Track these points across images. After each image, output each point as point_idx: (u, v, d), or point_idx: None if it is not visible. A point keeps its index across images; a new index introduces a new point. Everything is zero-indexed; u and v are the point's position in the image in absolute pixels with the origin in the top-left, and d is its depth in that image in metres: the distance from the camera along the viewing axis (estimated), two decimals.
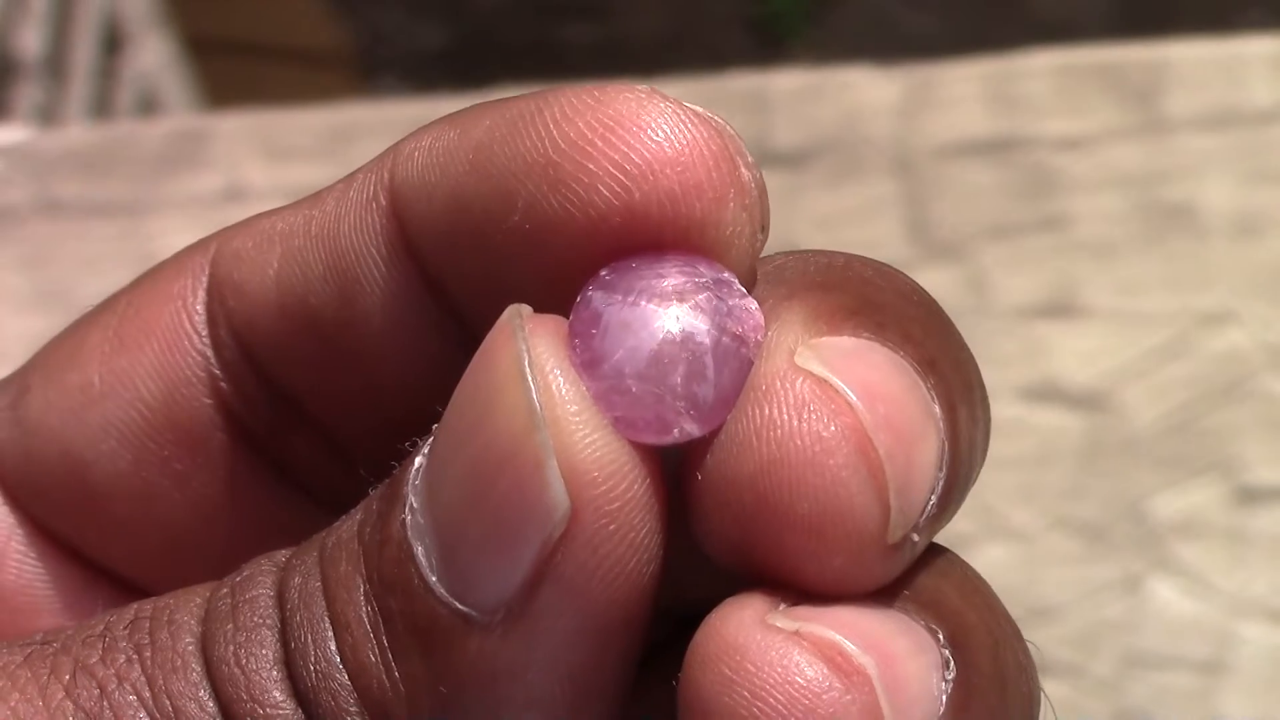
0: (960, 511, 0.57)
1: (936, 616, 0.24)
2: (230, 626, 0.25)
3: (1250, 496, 0.59)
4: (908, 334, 0.24)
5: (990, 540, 0.59)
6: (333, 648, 0.24)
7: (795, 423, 0.23)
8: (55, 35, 1.04)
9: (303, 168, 0.68)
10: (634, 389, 0.24)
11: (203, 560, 0.26)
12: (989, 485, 0.60)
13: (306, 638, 0.24)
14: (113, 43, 1.13)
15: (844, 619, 0.24)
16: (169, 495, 0.30)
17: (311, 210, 0.28)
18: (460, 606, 0.24)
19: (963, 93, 0.67)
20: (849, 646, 0.23)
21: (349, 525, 0.25)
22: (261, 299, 0.28)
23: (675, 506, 0.24)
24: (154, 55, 1.17)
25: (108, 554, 0.31)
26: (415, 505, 0.24)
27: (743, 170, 0.25)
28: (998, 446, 0.59)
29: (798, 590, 0.24)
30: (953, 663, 0.24)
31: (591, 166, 0.24)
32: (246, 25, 1.55)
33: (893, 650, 0.24)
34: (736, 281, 0.25)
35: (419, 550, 0.24)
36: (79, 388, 0.30)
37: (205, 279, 0.29)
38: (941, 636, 0.24)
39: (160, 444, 0.30)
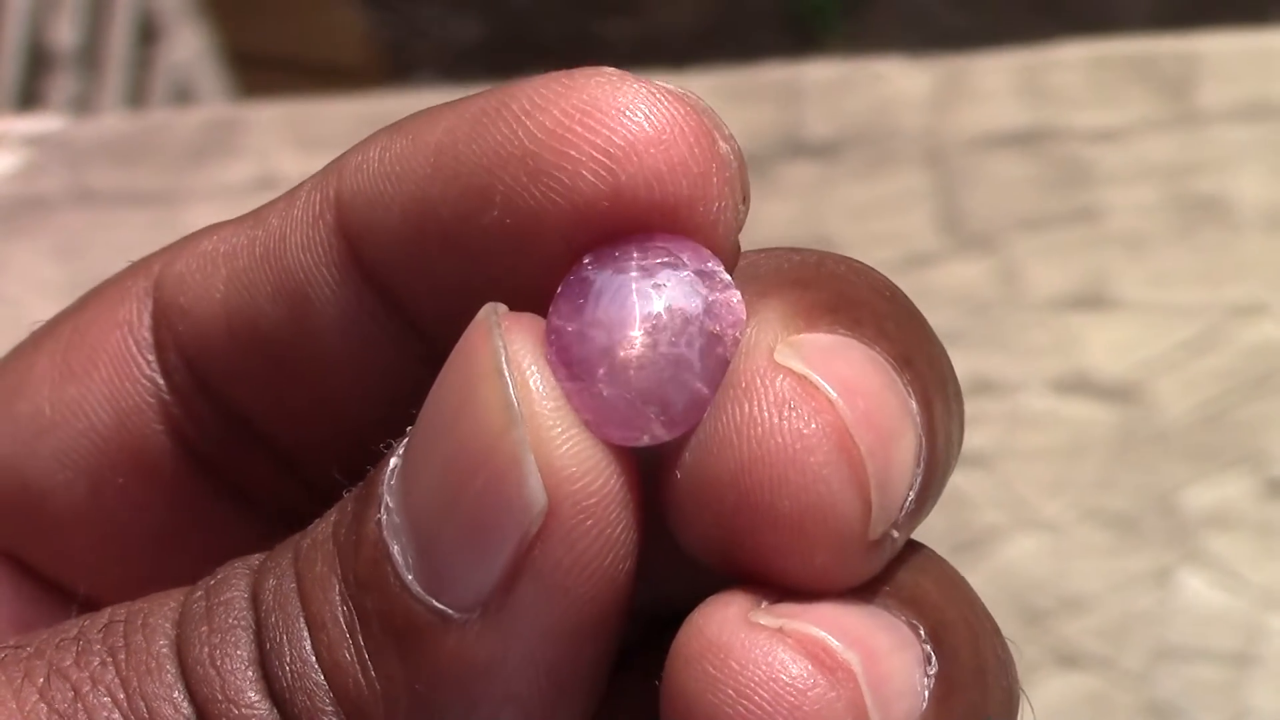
0: (991, 502, 0.58)
1: (917, 612, 0.24)
2: (205, 628, 0.25)
3: None
4: (883, 330, 0.24)
5: (1021, 531, 0.59)
6: (308, 648, 0.24)
7: (776, 420, 0.23)
8: (90, 26, 1.04)
9: (335, 157, 0.68)
10: (605, 392, 0.24)
11: (167, 583, 0.26)
12: (1020, 476, 0.60)
13: (282, 638, 0.24)
14: (147, 34, 1.14)
15: (827, 616, 0.24)
16: (128, 522, 0.30)
17: (255, 230, 0.28)
18: (437, 604, 0.23)
19: (995, 84, 0.67)
20: (833, 643, 0.23)
21: (323, 526, 0.25)
22: (209, 323, 0.28)
23: (653, 505, 0.24)
24: (188, 47, 1.17)
25: (70, 578, 0.31)
26: (391, 504, 0.24)
27: (721, 144, 0.24)
28: (1029, 438, 0.59)
29: (780, 588, 0.24)
30: (934, 658, 0.24)
31: (573, 153, 0.24)
32: (279, 39, 1.55)
33: (876, 646, 0.24)
34: (721, 270, 0.24)
35: (395, 549, 0.24)
36: (29, 417, 0.29)
37: (150, 303, 0.29)
38: (923, 632, 0.24)
39: (115, 472, 0.29)
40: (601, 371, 0.24)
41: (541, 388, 0.23)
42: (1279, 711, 0.55)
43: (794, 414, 0.23)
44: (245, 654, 0.24)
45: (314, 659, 0.24)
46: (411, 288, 0.26)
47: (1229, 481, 0.59)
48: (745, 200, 0.25)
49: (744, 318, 0.24)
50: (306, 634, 0.24)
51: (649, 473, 0.24)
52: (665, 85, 0.24)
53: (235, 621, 0.25)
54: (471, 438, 0.23)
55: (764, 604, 0.24)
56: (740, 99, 0.68)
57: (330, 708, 0.24)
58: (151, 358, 0.29)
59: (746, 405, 0.24)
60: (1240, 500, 0.58)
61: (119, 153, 0.70)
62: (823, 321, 0.24)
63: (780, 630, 0.23)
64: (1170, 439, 0.60)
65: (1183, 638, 0.57)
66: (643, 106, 0.24)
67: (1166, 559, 0.58)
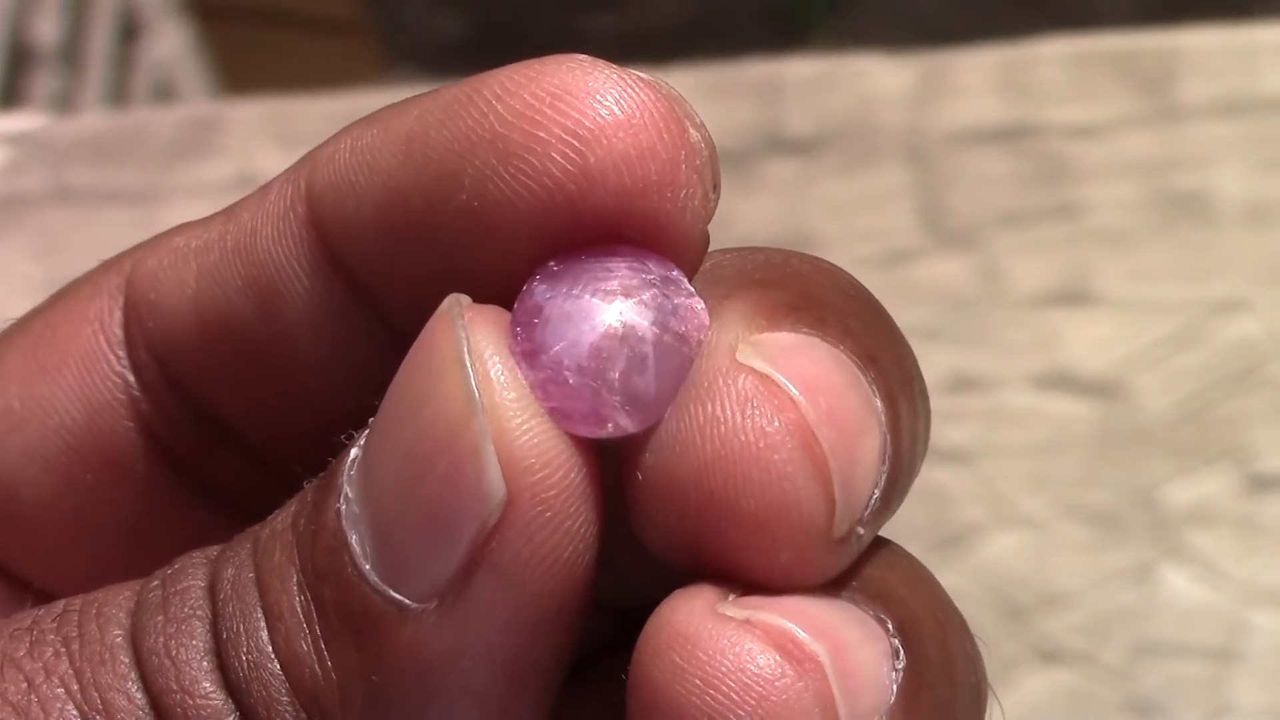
0: (971, 499, 0.58)
1: (885, 607, 0.24)
2: (161, 618, 0.24)
3: (1262, 485, 0.59)
4: (848, 329, 0.24)
5: (1002, 528, 0.59)
6: (265, 637, 0.24)
7: (739, 419, 0.23)
8: (72, 23, 1.04)
9: None
10: (571, 381, 0.24)
11: (135, 579, 0.26)
12: (1001, 473, 0.60)
13: (239, 628, 0.24)
14: (129, 30, 1.13)
15: (795, 608, 0.24)
16: (98, 519, 0.30)
17: (226, 225, 0.28)
18: (393, 594, 0.23)
19: (976, 81, 0.67)
20: (800, 634, 0.23)
21: (283, 516, 0.25)
22: (179, 318, 0.28)
23: (617, 502, 0.24)
24: (170, 43, 1.17)
25: (37, 574, 0.31)
26: (350, 495, 0.24)
27: (691, 131, 0.24)
28: (1010, 434, 0.60)
29: (746, 584, 0.24)
30: (902, 652, 0.24)
31: (542, 134, 0.24)
32: None
33: (843, 638, 0.24)
34: (685, 280, 0.25)
35: (353, 539, 0.24)
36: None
37: (121, 300, 0.29)
38: (890, 626, 0.24)
39: (85, 468, 0.29)
40: (567, 361, 0.24)
41: (503, 378, 0.23)
42: (1260, 707, 0.55)
43: (757, 412, 0.23)
44: (201, 644, 0.24)
45: (270, 649, 0.24)
46: (382, 280, 0.27)
47: (1210, 477, 0.59)
48: (715, 188, 0.25)
49: (707, 323, 0.24)
50: (263, 624, 0.24)
51: (612, 469, 0.24)
52: (636, 72, 0.25)
53: (191, 611, 0.25)
54: (432, 427, 0.23)
55: (731, 596, 0.24)
56: (721, 95, 0.68)
57: (286, 698, 0.24)
58: (122, 354, 0.29)
59: (709, 405, 0.24)
60: (1221, 496, 0.58)
61: (99, 151, 0.70)
62: (786, 320, 0.24)
63: (748, 621, 0.23)
64: (1151, 435, 0.60)
65: (1164, 633, 0.57)
66: (613, 91, 0.24)
67: (1148, 555, 0.58)
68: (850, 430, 0.24)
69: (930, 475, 0.26)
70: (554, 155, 0.24)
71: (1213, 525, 0.58)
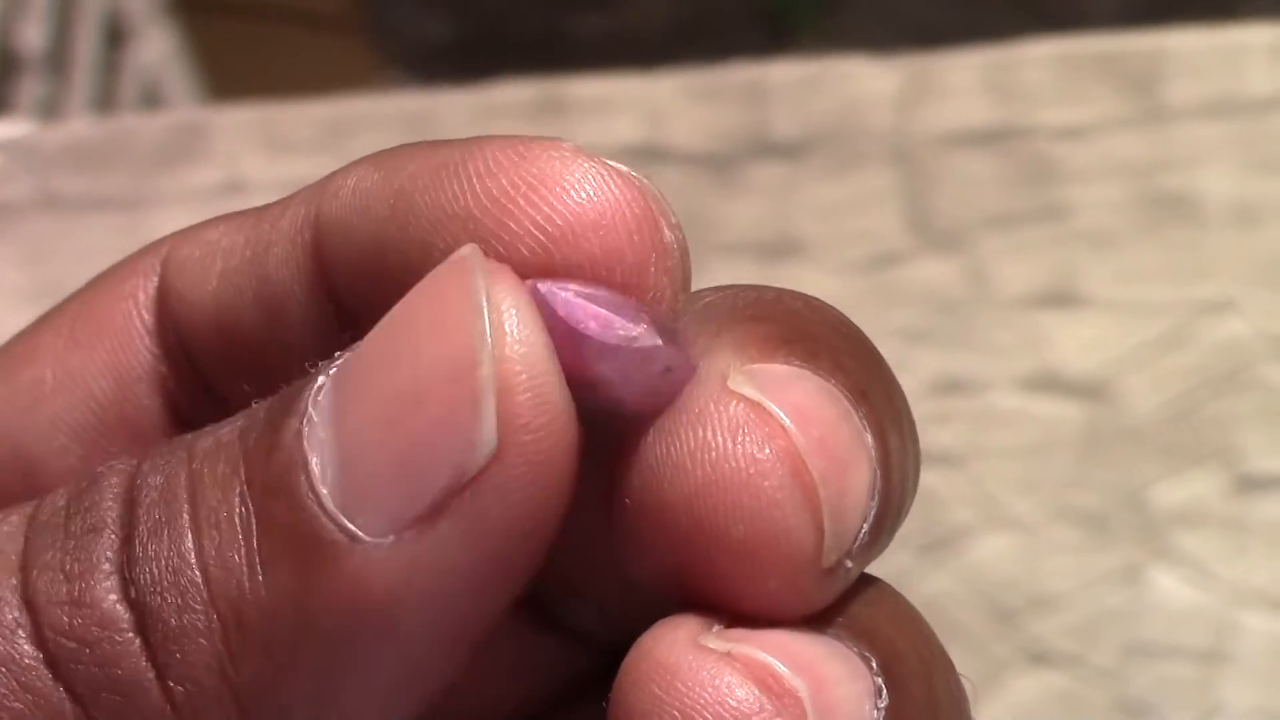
0: (961, 501, 0.58)
1: (869, 644, 0.24)
2: (61, 534, 0.24)
3: (1251, 485, 0.59)
4: (839, 363, 0.24)
5: (991, 530, 0.59)
6: (189, 545, 0.23)
7: (730, 445, 0.23)
8: (57, 29, 1.04)
9: (303, 161, 0.68)
10: (595, 316, 0.24)
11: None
12: (990, 475, 0.60)
13: (163, 533, 0.24)
14: (115, 36, 1.13)
15: (777, 642, 0.24)
16: None
17: (251, 232, 0.28)
18: (348, 524, 0.23)
19: (962, 82, 0.67)
20: (781, 669, 0.23)
21: (228, 430, 0.24)
22: (201, 311, 0.28)
23: (602, 531, 0.24)
24: (157, 48, 1.17)
25: None
26: (316, 418, 0.24)
27: (665, 232, 0.24)
28: (998, 436, 0.60)
29: (731, 614, 0.24)
30: (885, 691, 0.24)
31: (512, 225, 0.24)
32: None
33: (825, 674, 0.23)
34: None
35: (314, 460, 0.23)
36: (31, 384, 0.30)
37: (156, 280, 0.29)
38: (874, 664, 0.24)
39: (110, 441, 0.29)
40: (591, 321, 0.24)
41: (518, 330, 0.23)
42: (1250, 707, 0.55)
43: (748, 439, 0.23)
44: (103, 554, 0.24)
45: (193, 558, 0.23)
46: (367, 316, 0.26)
47: (1198, 478, 0.59)
48: (686, 287, 0.25)
49: (697, 365, 0.24)
50: (189, 533, 0.24)
51: (600, 476, 0.24)
52: (617, 166, 0.25)
53: (99, 521, 0.24)
54: (433, 367, 0.23)
55: (715, 628, 0.24)
56: (707, 99, 0.68)
57: (200, 606, 0.23)
58: (153, 332, 0.29)
59: (699, 430, 0.24)
60: (1210, 497, 0.59)
61: (86, 158, 0.70)
62: (778, 353, 0.24)
63: (729, 654, 0.23)
64: (1140, 436, 0.60)
65: (1153, 635, 0.57)
66: (589, 187, 0.24)
67: (1137, 556, 0.58)
68: (841, 460, 0.24)
69: (906, 513, 0.26)
70: (520, 248, 0.24)
71: (1202, 526, 0.58)
